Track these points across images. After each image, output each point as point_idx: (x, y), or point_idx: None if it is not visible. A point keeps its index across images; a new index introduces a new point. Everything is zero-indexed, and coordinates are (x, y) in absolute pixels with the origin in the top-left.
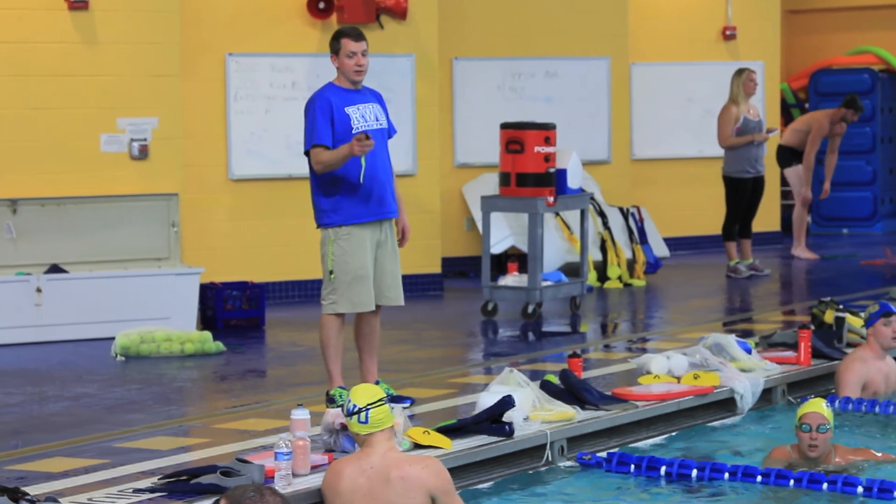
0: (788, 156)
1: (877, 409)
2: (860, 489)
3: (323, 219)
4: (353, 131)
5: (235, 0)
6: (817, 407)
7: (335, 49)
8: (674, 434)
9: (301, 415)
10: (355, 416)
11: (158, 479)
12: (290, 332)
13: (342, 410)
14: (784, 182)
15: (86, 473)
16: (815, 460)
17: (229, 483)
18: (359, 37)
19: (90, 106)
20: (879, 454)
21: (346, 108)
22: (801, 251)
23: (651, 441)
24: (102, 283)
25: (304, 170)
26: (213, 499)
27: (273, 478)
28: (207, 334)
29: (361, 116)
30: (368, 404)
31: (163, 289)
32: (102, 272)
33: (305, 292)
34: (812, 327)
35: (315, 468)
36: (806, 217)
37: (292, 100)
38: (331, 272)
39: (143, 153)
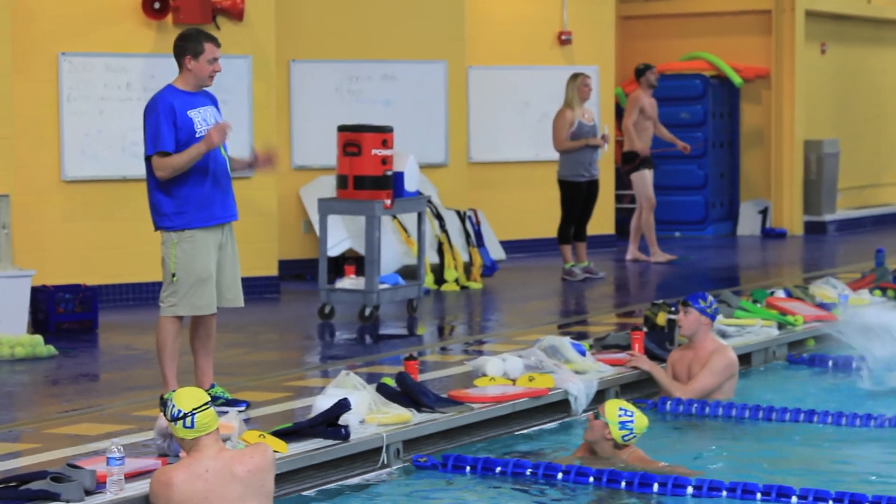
0: (633, 160)
1: (706, 410)
2: (690, 489)
3: (164, 222)
4: (197, 135)
5: None
6: (609, 401)
7: (196, 51)
8: (509, 435)
9: None
10: (180, 422)
11: None
12: (124, 336)
13: (166, 415)
14: (620, 185)
15: None
16: (603, 457)
17: (60, 489)
18: (219, 44)
19: None
20: (662, 464)
21: (188, 112)
22: (658, 255)
23: (486, 443)
24: None
25: (138, 171)
26: None
27: (105, 483)
28: (38, 338)
29: (203, 120)
30: (194, 409)
31: None
32: None
33: (140, 295)
34: (644, 329)
35: (148, 473)
36: (650, 221)
37: (127, 101)
38: (173, 275)
39: None
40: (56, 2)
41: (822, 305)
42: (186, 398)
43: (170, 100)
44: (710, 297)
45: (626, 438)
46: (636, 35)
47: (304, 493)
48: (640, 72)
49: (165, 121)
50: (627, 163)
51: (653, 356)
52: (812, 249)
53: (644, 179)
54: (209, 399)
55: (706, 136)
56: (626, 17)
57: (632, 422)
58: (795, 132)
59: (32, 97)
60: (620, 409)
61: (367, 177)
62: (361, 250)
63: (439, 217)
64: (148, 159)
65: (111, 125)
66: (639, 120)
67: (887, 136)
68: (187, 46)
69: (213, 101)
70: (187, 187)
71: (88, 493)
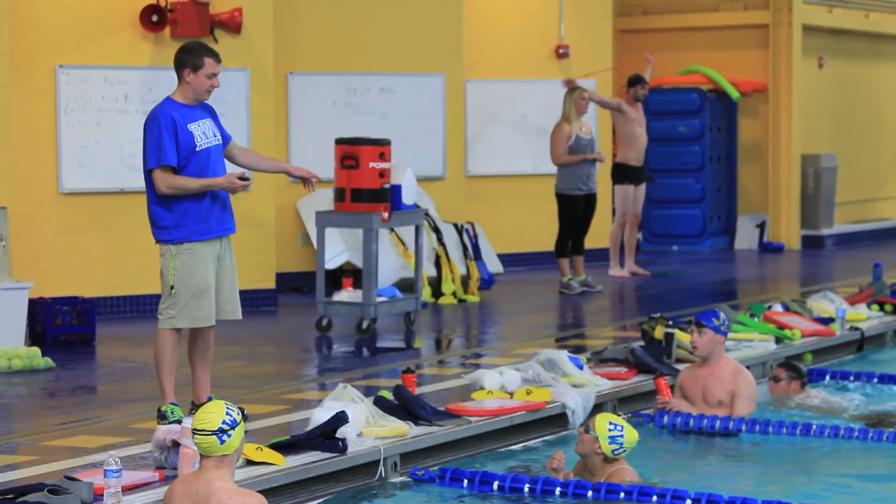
0: (618, 172)
1: (704, 422)
2: (689, 501)
3: (163, 235)
4: (197, 148)
5: (66, 11)
6: (600, 415)
7: (195, 65)
8: (506, 449)
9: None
10: (191, 432)
11: None
12: (121, 348)
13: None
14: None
15: None
16: (592, 471)
17: (57, 501)
18: (219, 59)
19: None
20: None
21: (188, 126)
22: (616, 270)
23: (484, 456)
24: None
25: (136, 183)
26: None
27: (102, 495)
28: (36, 350)
29: (203, 133)
30: (195, 430)
31: None
32: None
33: (137, 307)
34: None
35: (145, 485)
36: (634, 234)
37: (125, 113)
38: (172, 287)
39: None
40: (54, 14)
41: (819, 320)
42: (201, 415)
43: (171, 113)
44: (723, 315)
45: (615, 453)
46: (634, 49)
47: None
48: (632, 82)
49: (168, 134)
50: (614, 174)
51: (650, 370)
52: (809, 264)
53: (624, 193)
54: (225, 429)
55: (703, 149)
56: (623, 31)
57: (621, 436)
58: (793, 146)
59: (30, 109)
60: (610, 423)
61: (364, 189)
62: (359, 263)
63: (437, 230)
64: (149, 172)
65: (109, 137)
66: (626, 129)
67: (885, 151)
68: (187, 59)
69: (212, 114)
70: (186, 201)
71: None
